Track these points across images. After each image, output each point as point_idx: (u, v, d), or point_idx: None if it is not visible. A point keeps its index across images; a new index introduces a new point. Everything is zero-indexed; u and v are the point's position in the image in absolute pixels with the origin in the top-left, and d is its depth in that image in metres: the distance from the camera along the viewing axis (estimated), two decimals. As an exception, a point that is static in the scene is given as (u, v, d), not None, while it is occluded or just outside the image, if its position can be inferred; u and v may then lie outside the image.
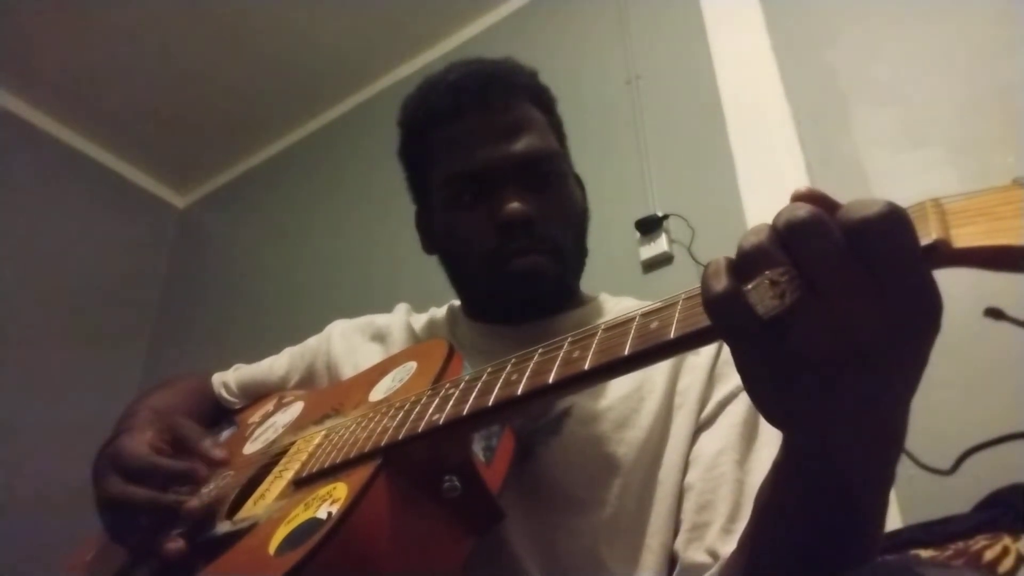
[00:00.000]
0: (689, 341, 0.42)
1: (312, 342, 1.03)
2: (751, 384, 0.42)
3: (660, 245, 1.70)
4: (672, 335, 0.42)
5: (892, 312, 0.36)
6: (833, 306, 0.36)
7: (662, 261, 1.70)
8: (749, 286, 0.37)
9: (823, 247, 0.35)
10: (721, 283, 0.38)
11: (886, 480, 0.45)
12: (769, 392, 0.41)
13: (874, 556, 0.50)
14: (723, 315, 0.38)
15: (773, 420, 0.44)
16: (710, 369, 0.76)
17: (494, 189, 0.80)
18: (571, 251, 0.83)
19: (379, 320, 0.98)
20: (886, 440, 0.42)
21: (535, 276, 0.79)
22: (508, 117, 0.82)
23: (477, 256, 0.81)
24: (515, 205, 0.78)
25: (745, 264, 0.37)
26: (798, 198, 0.38)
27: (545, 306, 0.83)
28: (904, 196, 0.39)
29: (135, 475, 0.71)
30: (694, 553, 0.66)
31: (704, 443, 0.72)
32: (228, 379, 1.03)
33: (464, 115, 0.82)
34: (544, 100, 0.88)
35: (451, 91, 0.83)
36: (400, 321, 0.94)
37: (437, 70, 0.89)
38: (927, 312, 0.36)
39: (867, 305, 0.36)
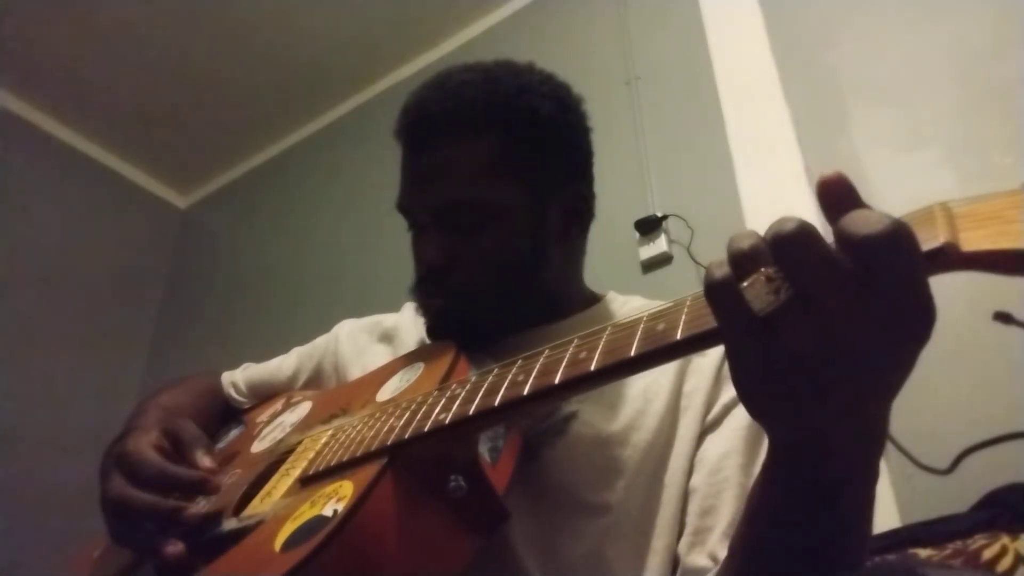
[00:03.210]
0: (695, 343, 0.43)
1: (320, 342, 1.03)
2: (740, 377, 0.42)
3: (659, 245, 1.70)
4: (678, 336, 0.43)
5: (885, 322, 0.36)
6: (825, 311, 0.36)
7: (661, 261, 1.70)
8: (745, 283, 0.37)
9: (809, 261, 0.36)
10: (722, 271, 0.38)
11: (869, 477, 0.45)
12: (757, 387, 0.42)
13: (863, 558, 0.50)
14: (721, 305, 0.39)
15: (758, 415, 0.45)
16: (716, 371, 0.76)
17: (419, 226, 0.84)
18: (488, 294, 0.80)
19: (387, 321, 0.99)
20: (868, 437, 0.43)
21: (435, 319, 0.83)
22: (429, 159, 0.80)
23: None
24: (425, 253, 0.81)
25: (741, 262, 0.38)
26: (825, 181, 0.38)
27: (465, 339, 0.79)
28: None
29: (138, 478, 0.71)
30: (696, 557, 0.66)
31: (709, 446, 0.72)
32: (237, 378, 1.03)
33: (401, 145, 0.84)
34: (504, 126, 0.79)
35: (400, 115, 0.83)
36: (408, 321, 0.94)
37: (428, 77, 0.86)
38: (921, 324, 0.37)
39: (859, 314, 0.36)
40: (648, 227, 1.72)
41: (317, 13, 2.52)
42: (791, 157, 1.60)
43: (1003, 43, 1.47)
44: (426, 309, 0.84)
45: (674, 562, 0.69)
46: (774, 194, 1.58)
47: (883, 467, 1.33)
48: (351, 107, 2.83)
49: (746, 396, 0.43)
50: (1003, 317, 0.41)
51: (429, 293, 0.82)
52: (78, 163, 2.84)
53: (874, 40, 1.67)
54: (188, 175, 3.13)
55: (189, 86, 2.74)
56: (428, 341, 0.85)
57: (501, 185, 0.79)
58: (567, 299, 0.87)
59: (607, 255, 1.71)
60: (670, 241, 1.71)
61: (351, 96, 2.82)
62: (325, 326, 1.06)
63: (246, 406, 1.01)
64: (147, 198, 3.07)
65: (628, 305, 0.89)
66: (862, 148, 1.56)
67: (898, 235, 0.34)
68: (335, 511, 0.53)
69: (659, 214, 1.72)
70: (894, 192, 1.40)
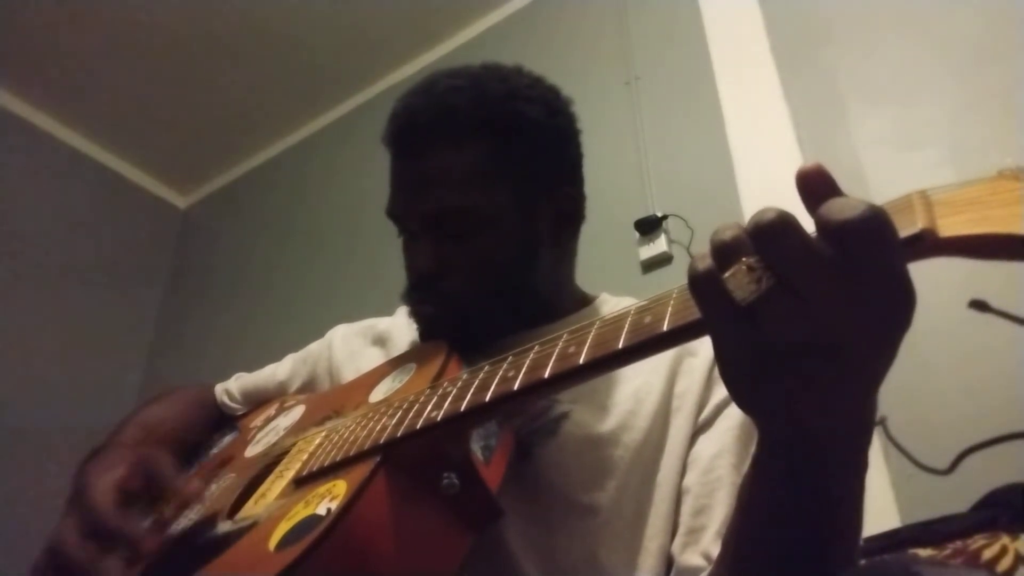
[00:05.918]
0: (681, 334, 0.43)
1: (314, 347, 1.03)
2: (726, 369, 0.43)
3: (659, 245, 1.70)
4: (665, 328, 0.43)
5: (866, 308, 0.36)
6: (805, 299, 0.36)
7: (661, 261, 1.70)
8: (727, 274, 0.38)
9: (788, 249, 0.36)
10: (704, 263, 0.39)
11: (859, 466, 0.45)
12: (744, 377, 0.42)
13: (856, 550, 0.50)
14: (704, 296, 0.39)
15: (746, 407, 0.45)
16: (708, 373, 0.76)
17: (409, 232, 0.83)
18: (480, 299, 0.80)
19: (380, 324, 0.98)
20: (856, 426, 0.43)
21: (427, 325, 0.82)
22: (418, 167, 0.79)
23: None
24: (417, 261, 0.81)
25: (723, 253, 0.38)
26: (804, 173, 0.38)
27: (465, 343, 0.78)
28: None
29: (88, 527, 0.66)
30: (690, 556, 0.66)
31: (701, 446, 0.72)
32: (230, 387, 1.03)
33: (390, 152, 0.83)
34: (492, 132, 0.78)
35: (388, 122, 0.83)
36: (401, 325, 0.94)
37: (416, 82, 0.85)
38: (901, 309, 0.37)
39: (840, 300, 0.36)
40: (648, 227, 1.73)
41: (317, 13, 2.52)
42: (791, 157, 1.59)
43: (1002, 43, 1.47)
44: (418, 316, 0.83)
45: (668, 562, 0.69)
46: (774, 194, 1.57)
47: (883, 467, 1.32)
48: (351, 107, 2.83)
49: (733, 387, 0.43)
50: (978, 305, 0.41)
51: (420, 300, 0.82)
52: (78, 163, 2.84)
53: (873, 41, 1.67)
54: (188, 175, 3.14)
55: (189, 86, 2.74)
56: None
57: (490, 191, 0.78)
58: (559, 301, 0.87)
59: (607, 255, 1.71)
60: (670, 241, 1.71)
61: (351, 96, 2.83)
62: (324, 327, 1.06)
63: (240, 412, 1.01)
64: (147, 198, 3.07)
65: (620, 306, 0.88)
66: (861, 148, 1.56)
67: (875, 220, 0.34)
68: (329, 509, 0.53)
69: (659, 214, 1.72)
70: (894, 192, 1.39)
